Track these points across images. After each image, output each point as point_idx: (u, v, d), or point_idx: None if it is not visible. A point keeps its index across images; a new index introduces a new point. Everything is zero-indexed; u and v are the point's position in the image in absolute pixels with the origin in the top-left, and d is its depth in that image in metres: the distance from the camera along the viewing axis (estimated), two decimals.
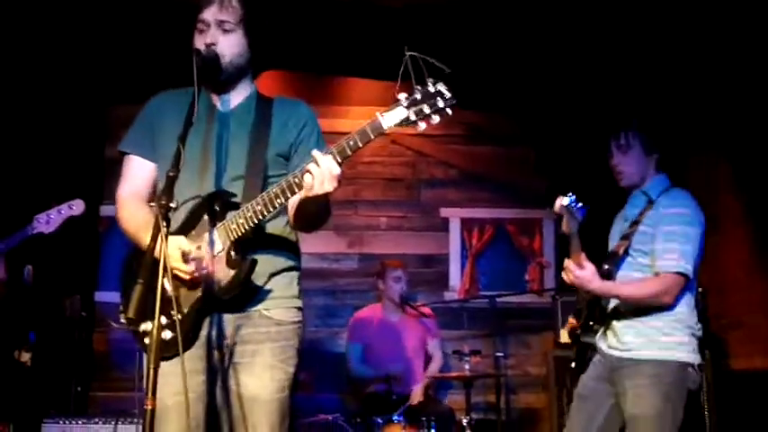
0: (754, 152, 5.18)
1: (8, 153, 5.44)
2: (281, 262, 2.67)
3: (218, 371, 2.56)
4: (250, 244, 2.52)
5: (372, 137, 2.22)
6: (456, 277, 6.79)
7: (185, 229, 2.51)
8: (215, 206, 2.50)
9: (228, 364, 2.55)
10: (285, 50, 5.29)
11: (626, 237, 3.48)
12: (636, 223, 3.47)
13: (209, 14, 2.64)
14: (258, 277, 2.56)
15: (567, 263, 3.35)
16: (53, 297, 5.56)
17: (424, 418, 5.03)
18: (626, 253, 3.46)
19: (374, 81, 6.16)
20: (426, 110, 2.12)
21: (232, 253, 2.47)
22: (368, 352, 5.79)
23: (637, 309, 3.39)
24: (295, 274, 2.72)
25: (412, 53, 2.07)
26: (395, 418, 4.99)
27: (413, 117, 2.13)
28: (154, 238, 2.10)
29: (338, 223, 6.72)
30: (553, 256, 6.76)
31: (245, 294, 2.55)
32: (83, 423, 4.78)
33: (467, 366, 5.22)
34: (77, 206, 4.36)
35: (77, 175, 6.11)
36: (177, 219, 2.46)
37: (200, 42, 2.63)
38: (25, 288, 4.73)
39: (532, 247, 6.89)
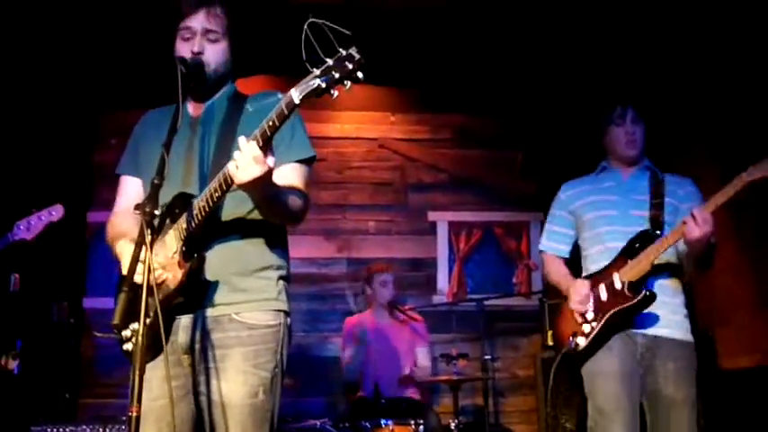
0: (741, 152, 5.19)
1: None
2: (255, 261, 2.62)
3: (193, 376, 2.55)
4: (208, 243, 2.52)
5: (287, 112, 2.13)
6: (444, 280, 6.80)
7: (157, 235, 2.48)
8: (175, 210, 2.50)
9: (201, 369, 2.52)
10: (273, 55, 5.30)
11: (656, 207, 3.57)
12: (660, 196, 3.59)
13: (196, 23, 2.66)
14: (227, 277, 2.55)
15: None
16: (40, 303, 5.54)
17: (412, 422, 5.03)
18: (664, 223, 3.54)
19: (362, 85, 6.17)
20: (336, 75, 2.05)
21: (183, 252, 2.45)
22: (360, 356, 5.78)
23: (670, 284, 3.54)
24: (274, 274, 2.66)
25: (314, 20, 2.02)
26: (383, 422, 4.99)
27: (323, 85, 2.06)
28: (138, 246, 2.11)
29: (327, 228, 6.73)
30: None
31: (207, 295, 2.53)
32: (70, 430, 4.75)
33: (455, 370, 5.23)
34: (57, 211, 4.32)
35: (66, 181, 6.10)
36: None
37: (184, 50, 2.65)
38: (11, 295, 4.72)
39: (520, 250, 6.91)
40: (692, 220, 3.20)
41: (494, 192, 6.94)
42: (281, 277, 2.69)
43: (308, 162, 2.70)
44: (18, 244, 4.24)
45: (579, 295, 3.55)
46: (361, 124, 6.95)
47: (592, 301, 3.53)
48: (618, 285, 3.46)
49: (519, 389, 6.56)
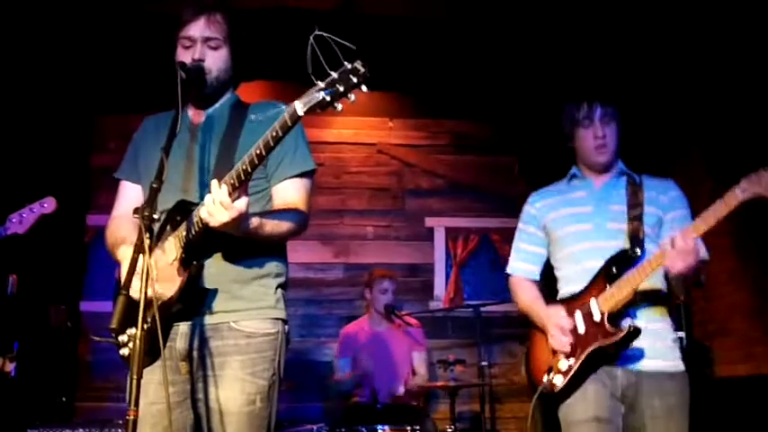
0: (737, 159, 5.22)
1: None
2: (254, 270, 2.64)
3: (191, 382, 2.56)
4: (208, 251, 2.53)
5: (291, 124, 2.16)
6: (441, 286, 6.81)
7: (157, 242, 2.53)
8: (176, 217, 2.52)
9: (200, 375, 2.54)
10: (271, 61, 5.32)
11: (636, 219, 3.10)
12: (639, 205, 3.13)
13: (196, 31, 2.68)
14: (226, 285, 2.57)
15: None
16: (38, 306, 5.54)
17: (408, 428, 5.03)
18: (644, 238, 3.09)
19: (359, 91, 6.19)
20: (341, 89, 2.07)
21: (183, 260, 2.47)
22: (355, 363, 5.78)
23: (655, 311, 3.10)
24: (273, 281, 2.68)
25: (319, 33, 2.03)
26: (379, 428, 4.98)
27: (328, 98, 2.08)
28: (136, 250, 2.12)
29: (324, 233, 6.74)
30: None
31: (206, 303, 2.55)
32: None
33: (451, 376, 5.23)
34: (49, 204, 4.25)
35: (64, 184, 6.10)
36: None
37: (185, 57, 2.66)
38: (9, 298, 4.73)
39: None
40: (673, 250, 2.79)
41: (491, 198, 6.95)
42: (279, 285, 2.70)
43: (308, 175, 2.72)
44: (11, 238, 4.16)
45: (559, 330, 3.08)
46: (360, 129, 6.96)
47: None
48: (597, 317, 3.01)
49: (515, 395, 6.55)
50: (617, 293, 2.98)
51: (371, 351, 5.72)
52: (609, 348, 2.97)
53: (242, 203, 2.28)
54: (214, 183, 2.27)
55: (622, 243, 3.09)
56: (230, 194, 2.28)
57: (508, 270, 3.46)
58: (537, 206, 3.39)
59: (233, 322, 2.57)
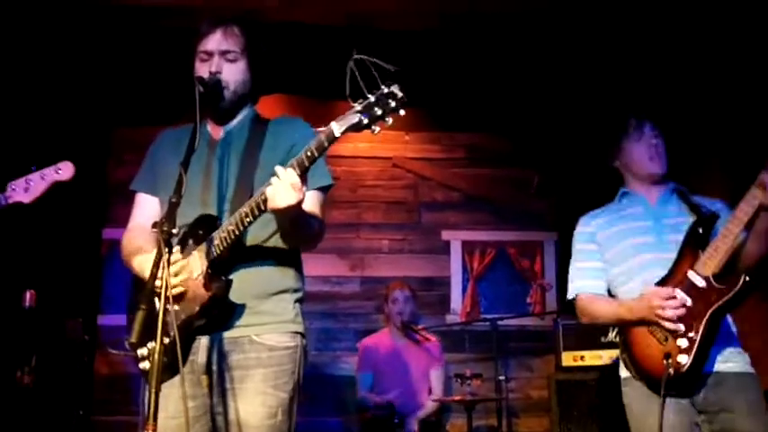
0: (751, 170, 5.18)
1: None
2: (274, 284, 2.65)
3: (211, 396, 2.56)
4: (231, 266, 2.53)
5: (327, 145, 2.19)
6: (457, 300, 6.79)
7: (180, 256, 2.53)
8: (199, 231, 2.52)
9: (221, 389, 2.54)
10: (289, 75, 5.34)
11: (704, 235, 3.03)
12: (713, 220, 3.06)
13: (213, 44, 2.69)
14: (246, 300, 2.57)
15: None
16: (55, 320, 5.56)
17: None
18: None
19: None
20: (378, 112, 2.09)
21: (209, 275, 2.47)
22: (376, 380, 5.76)
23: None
24: (292, 296, 2.70)
25: (358, 56, 2.05)
26: None
27: (365, 121, 2.10)
28: (156, 264, 2.12)
29: (340, 246, 6.73)
30: (554, 278, 6.75)
31: (227, 317, 2.55)
32: None
33: (468, 390, 5.21)
34: (65, 169, 3.30)
35: (81, 197, 6.13)
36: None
37: (202, 70, 2.67)
38: (26, 311, 4.73)
39: (534, 270, 6.89)
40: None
41: (507, 211, 6.93)
42: (297, 299, 2.72)
43: (325, 190, 2.73)
44: (13, 207, 3.28)
45: (666, 299, 2.94)
46: (375, 143, 6.96)
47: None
48: (701, 283, 2.92)
49: (533, 410, 6.52)
50: (716, 253, 2.92)
51: (391, 364, 5.71)
52: (728, 305, 2.90)
53: (304, 189, 2.30)
54: (279, 168, 2.26)
55: None
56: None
57: (574, 293, 3.33)
58: (592, 224, 3.35)
59: (255, 335, 2.57)
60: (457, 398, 5.34)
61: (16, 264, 5.24)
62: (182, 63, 2.83)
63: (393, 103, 2.09)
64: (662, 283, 3.03)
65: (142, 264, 2.56)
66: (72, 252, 6.01)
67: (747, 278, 2.86)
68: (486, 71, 6.21)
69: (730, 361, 3.01)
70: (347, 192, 6.85)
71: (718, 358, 2.98)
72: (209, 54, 2.69)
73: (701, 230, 3.01)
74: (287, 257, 2.70)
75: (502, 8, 5.44)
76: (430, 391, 5.78)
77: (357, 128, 2.13)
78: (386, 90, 2.10)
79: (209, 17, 2.78)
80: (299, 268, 2.78)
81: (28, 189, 3.27)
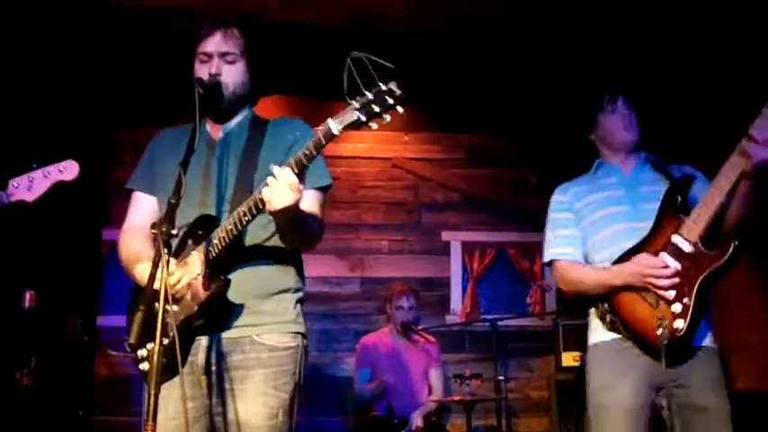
0: None
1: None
2: (275, 284, 2.65)
3: (211, 397, 2.56)
4: (231, 266, 2.53)
5: (324, 143, 2.17)
6: (457, 300, 6.79)
7: (176, 257, 2.53)
8: (198, 231, 2.52)
9: (221, 390, 2.53)
10: (288, 76, 5.34)
11: (682, 200, 3.09)
12: (688, 183, 3.13)
13: (213, 46, 2.69)
14: (247, 300, 2.57)
15: None
16: (55, 321, 5.56)
17: None
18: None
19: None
20: (376, 109, 2.08)
21: (208, 274, 2.46)
22: (374, 377, 5.77)
23: None
24: (292, 296, 2.69)
25: (356, 54, 2.04)
26: None
27: (363, 118, 2.09)
28: (155, 265, 2.12)
29: (340, 247, 6.74)
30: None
31: (227, 318, 2.55)
32: None
33: (468, 390, 5.21)
34: (70, 169, 3.23)
35: (81, 198, 6.14)
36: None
37: (202, 72, 2.68)
38: (26, 312, 4.73)
39: (533, 270, 6.89)
40: (755, 143, 2.78)
41: (507, 211, 6.93)
42: (298, 300, 2.72)
43: (324, 189, 2.73)
44: (15, 206, 3.21)
45: (652, 264, 2.96)
46: (375, 144, 6.97)
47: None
48: (688, 248, 2.94)
49: (532, 410, 6.52)
50: (700, 218, 2.94)
51: (391, 364, 5.72)
52: (719, 273, 2.91)
53: (302, 188, 2.29)
54: (276, 168, 2.25)
55: None
56: None
57: (550, 257, 3.36)
58: (569, 194, 3.39)
59: (255, 336, 2.57)
60: (456, 398, 5.35)
61: (16, 264, 5.25)
62: (182, 65, 2.83)
63: (391, 100, 2.08)
64: (643, 245, 3.06)
65: (144, 273, 2.54)
66: (72, 253, 6.01)
67: (736, 243, 2.87)
68: (486, 72, 6.21)
69: (703, 335, 3.04)
70: (347, 192, 6.86)
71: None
72: (209, 56, 2.69)
73: (678, 196, 3.05)
74: (288, 258, 2.69)
75: (502, 9, 5.45)
76: (430, 391, 5.79)
77: (355, 125, 2.12)
78: (384, 87, 2.09)
79: (210, 19, 2.78)
80: (299, 268, 2.77)
81: (31, 187, 3.19)
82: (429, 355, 5.86)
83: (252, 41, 2.76)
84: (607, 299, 3.12)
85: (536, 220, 6.97)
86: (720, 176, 2.91)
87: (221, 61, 2.68)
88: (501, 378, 5.56)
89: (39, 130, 5.76)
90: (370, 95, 2.09)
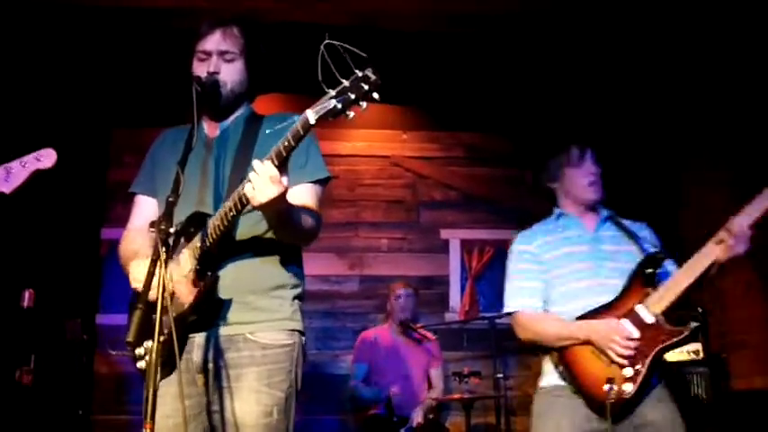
0: (754, 168, 5.19)
1: None
2: (272, 280, 2.64)
3: (206, 395, 2.55)
4: (227, 261, 2.53)
5: (303, 133, 2.15)
6: (456, 298, 6.80)
7: (171, 254, 2.49)
8: (190, 229, 2.52)
9: (215, 388, 2.53)
10: (287, 73, 5.35)
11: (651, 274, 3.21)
12: (660, 261, 3.23)
13: (212, 44, 2.70)
14: (243, 296, 2.57)
15: None
16: (54, 320, 5.57)
17: None
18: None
19: (371, 99, 6.21)
20: (352, 96, 2.07)
21: (197, 271, 2.47)
22: (372, 373, 5.78)
23: None
24: (290, 293, 2.68)
25: (330, 41, 2.03)
26: None
27: (339, 106, 2.07)
28: (153, 263, 2.13)
29: (339, 245, 6.74)
30: None
31: (223, 314, 2.54)
32: None
33: (467, 388, 5.22)
34: (47, 157, 3.13)
35: (79, 197, 6.15)
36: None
37: (200, 70, 2.68)
38: (25, 311, 4.73)
39: None
40: (732, 236, 2.94)
41: (506, 210, 6.93)
42: (295, 297, 2.70)
43: (322, 183, 2.72)
44: None
45: (623, 338, 3.05)
46: (374, 142, 6.97)
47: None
48: (649, 320, 3.06)
49: (531, 407, 6.51)
50: (667, 294, 3.07)
51: (389, 360, 5.72)
52: (672, 347, 3.05)
53: (285, 181, 2.27)
54: (256, 162, 2.24)
55: (622, 282, 3.19)
56: None
57: (512, 308, 3.41)
58: (534, 244, 3.44)
59: (249, 334, 2.56)
60: (455, 396, 5.36)
61: (15, 263, 5.25)
62: (180, 64, 2.83)
63: (366, 87, 2.06)
64: (605, 309, 3.16)
65: (135, 269, 2.56)
66: (71, 252, 6.02)
67: (696, 325, 3.05)
68: (485, 71, 6.22)
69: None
70: (346, 191, 6.86)
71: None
72: (208, 54, 2.70)
73: (648, 271, 3.15)
74: (285, 253, 2.68)
75: (501, 9, 5.46)
76: (429, 388, 5.79)
77: (332, 114, 2.09)
78: (360, 74, 2.07)
79: (209, 18, 2.79)
80: (298, 265, 2.76)
81: (8, 178, 3.05)
82: (429, 353, 5.87)
83: (251, 40, 2.76)
84: (558, 349, 3.22)
85: (535, 219, 7.00)
86: (694, 260, 3.04)
87: (220, 60, 2.68)
88: (500, 376, 5.56)
89: (37, 130, 5.77)
90: (346, 83, 2.08)
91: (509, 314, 3.45)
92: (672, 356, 4.67)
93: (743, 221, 2.97)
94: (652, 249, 3.24)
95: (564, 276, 3.31)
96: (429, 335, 5.90)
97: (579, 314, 3.19)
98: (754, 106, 5.20)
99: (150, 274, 2.12)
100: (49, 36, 5.49)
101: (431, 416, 5.58)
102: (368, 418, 5.53)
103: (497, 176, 7.03)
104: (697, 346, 4.67)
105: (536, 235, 3.48)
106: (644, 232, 3.39)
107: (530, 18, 5.53)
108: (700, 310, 4.60)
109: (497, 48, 5.93)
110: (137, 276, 2.51)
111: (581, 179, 3.39)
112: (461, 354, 6.47)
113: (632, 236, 3.34)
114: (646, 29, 5.49)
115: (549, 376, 3.30)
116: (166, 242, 2.15)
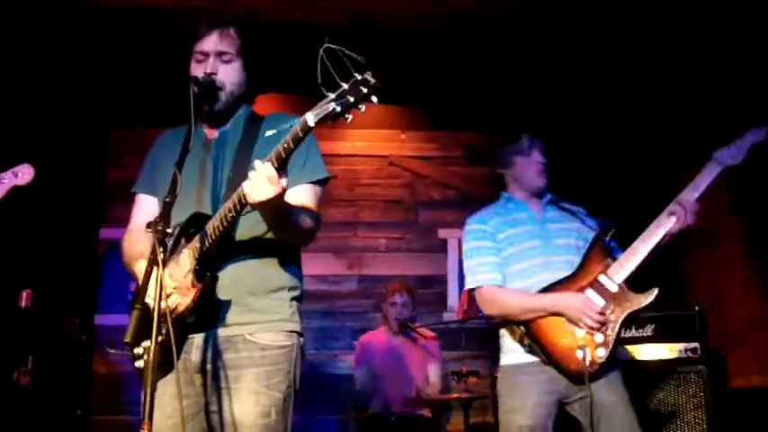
0: (753, 167, 5.19)
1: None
2: (270, 282, 2.64)
3: (205, 395, 2.56)
4: (226, 262, 2.54)
5: (302, 135, 2.16)
6: (454, 298, 6.79)
7: (171, 255, 2.53)
8: (191, 229, 2.52)
9: (214, 388, 2.53)
10: (286, 74, 5.35)
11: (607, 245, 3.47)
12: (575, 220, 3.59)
13: (209, 45, 2.69)
14: (242, 297, 2.57)
15: None
16: (53, 320, 5.57)
17: None
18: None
19: (370, 102, 6.22)
20: (351, 99, 2.08)
21: (196, 272, 2.47)
22: (372, 375, 5.78)
23: None
24: (288, 294, 2.68)
25: (329, 45, 2.04)
26: None
27: (338, 109, 2.08)
28: (150, 263, 2.13)
29: (337, 245, 6.74)
30: None
31: (222, 315, 2.54)
32: None
33: (465, 387, 5.22)
34: (25, 173, 3.27)
35: (78, 197, 6.15)
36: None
37: (198, 71, 2.67)
38: (23, 311, 4.73)
39: None
40: (682, 209, 3.19)
41: None
42: (294, 298, 2.70)
43: (321, 183, 2.72)
44: None
45: (590, 308, 3.26)
46: (372, 142, 6.97)
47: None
48: (614, 288, 3.30)
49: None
50: (627, 263, 3.29)
51: (387, 361, 5.72)
52: (640, 312, 3.32)
53: (284, 182, 2.28)
54: (258, 162, 2.25)
55: (572, 257, 3.45)
56: None
57: (475, 283, 3.55)
58: (489, 224, 3.61)
59: (248, 335, 2.56)
60: (454, 395, 5.35)
61: (13, 263, 5.25)
62: (180, 64, 2.83)
63: (365, 90, 2.07)
64: (568, 281, 3.38)
65: (143, 270, 2.55)
66: (69, 252, 6.02)
67: (658, 290, 3.24)
68: (484, 70, 6.22)
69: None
70: (344, 190, 6.86)
71: None
72: (205, 55, 2.69)
73: (604, 241, 3.41)
74: (285, 255, 2.68)
75: (501, 9, 5.46)
76: (427, 382, 5.79)
77: (331, 117, 2.10)
78: (359, 77, 2.08)
79: (207, 18, 2.79)
80: (297, 266, 2.76)
81: None
82: (428, 352, 5.86)
83: (248, 41, 2.75)
84: (524, 324, 3.37)
85: None
86: (649, 231, 3.28)
87: (217, 60, 2.68)
88: (498, 375, 5.55)
89: (36, 130, 5.77)
90: (345, 86, 2.09)
91: (472, 290, 3.61)
92: (670, 354, 4.69)
93: (691, 195, 3.21)
94: (596, 225, 3.52)
95: (517, 254, 3.51)
96: (428, 333, 5.89)
97: (539, 288, 3.39)
98: (751, 108, 5.20)
99: (148, 274, 2.12)
100: (48, 36, 5.49)
101: (427, 415, 5.57)
102: (366, 419, 5.53)
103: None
104: (695, 344, 4.68)
105: (490, 215, 3.67)
106: (581, 211, 3.67)
107: (530, 18, 5.53)
108: (696, 309, 4.76)
109: (497, 48, 5.93)
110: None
111: (531, 167, 3.65)
112: (460, 353, 6.46)
113: (574, 214, 3.62)
114: (645, 30, 5.50)
115: (512, 354, 3.46)
116: (164, 242, 2.15)
